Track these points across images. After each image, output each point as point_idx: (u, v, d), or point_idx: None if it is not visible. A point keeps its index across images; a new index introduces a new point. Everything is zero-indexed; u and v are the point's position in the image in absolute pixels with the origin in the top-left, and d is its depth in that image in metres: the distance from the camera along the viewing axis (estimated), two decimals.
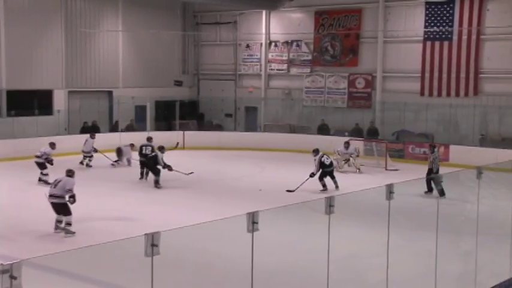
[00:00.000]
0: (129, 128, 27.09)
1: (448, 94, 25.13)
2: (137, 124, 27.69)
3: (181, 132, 26.66)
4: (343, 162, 20.79)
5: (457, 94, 24.91)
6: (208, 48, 32.60)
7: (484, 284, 8.53)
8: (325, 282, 6.89)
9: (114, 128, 27.47)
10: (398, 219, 7.72)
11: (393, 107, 26.22)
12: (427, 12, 25.47)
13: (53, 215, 12.43)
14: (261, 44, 30.51)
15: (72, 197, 12.08)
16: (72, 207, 12.30)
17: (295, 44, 29.49)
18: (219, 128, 30.40)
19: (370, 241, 10.00)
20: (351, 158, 20.91)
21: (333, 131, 27.09)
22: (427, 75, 25.59)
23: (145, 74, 29.89)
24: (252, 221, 5.76)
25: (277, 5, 29.14)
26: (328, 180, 17.29)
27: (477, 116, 24.63)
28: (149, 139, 19.73)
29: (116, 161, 21.63)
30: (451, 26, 24.90)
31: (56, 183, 12.32)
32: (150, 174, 18.38)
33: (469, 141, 23.93)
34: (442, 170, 17.53)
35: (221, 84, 31.76)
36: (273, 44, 30.24)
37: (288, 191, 16.73)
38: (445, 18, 25.04)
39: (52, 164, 17.89)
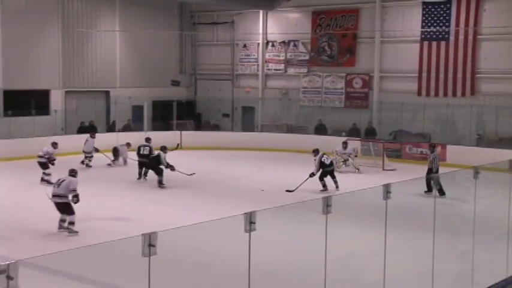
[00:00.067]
0: (126, 128, 27.07)
1: (445, 94, 25.16)
2: (134, 124, 27.67)
3: (179, 132, 26.65)
4: (342, 162, 20.80)
5: (454, 94, 24.95)
6: (205, 48, 32.60)
7: (481, 283, 8.54)
8: (322, 282, 6.89)
9: (111, 128, 27.45)
10: (396, 219, 7.73)
11: (390, 107, 26.24)
12: (424, 12, 25.50)
13: (52, 215, 12.47)
14: (258, 44, 30.51)
15: (76, 196, 12.19)
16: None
17: (292, 44, 29.50)
18: (216, 128, 30.41)
19: (367, 241, 10.01)
20: (349, 158, 20.93)
21: (330, 131, 27.11)
22: (424, 75, 25.62)
23: (142, 74, 29.87)
24: (250, 221, 5.75)
25: (274, 5, 29.15)
26: (328, 180, 17.29)
27: (474, 116, 24.67)
28: (148, 140, 19.73)
29: (112, 161, 21.65)
30: (448, 26, 24.94)
31: (59, 183, 12.38)
32: (150, 174, 18.38)
33: (466, 141, 23.97)
34: (440, 170, 17.57)
35: (218, 84, 31.75)
36: (270, 44, 30.25)
37: (287, 191, 16.71)
38: (442, 18, 25.07)
39: (53, 164, 17.92)
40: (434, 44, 25.35)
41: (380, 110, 26.85)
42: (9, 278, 4.16)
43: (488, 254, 9.77)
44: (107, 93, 28.81)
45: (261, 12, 30.19)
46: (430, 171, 17.17)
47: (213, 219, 6.44)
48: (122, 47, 29.31)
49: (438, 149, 21.95)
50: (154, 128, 27.66)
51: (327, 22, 28.32)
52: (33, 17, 25.78)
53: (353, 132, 25.79)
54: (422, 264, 8.66)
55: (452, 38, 24.89)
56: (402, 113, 26.05)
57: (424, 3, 25.50)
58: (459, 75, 24.76)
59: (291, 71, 29.68)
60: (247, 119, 31.02)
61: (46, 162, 17.90)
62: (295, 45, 29.42)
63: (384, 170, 21.36)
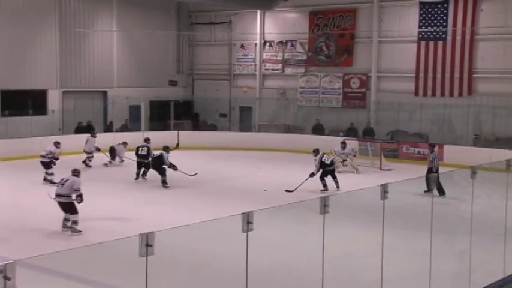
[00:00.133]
0: (124, 128, 27.07)
1: (442, 94, 25.19)
2: (132, 124, 27.65)
3: (176, 132, 26.64)
4: (340, 162, 20.82)
5: (451, 94, 24.98)
6: (202, 48, 32.59)
7: (478, 283, 8.55)
8: (320, 282, 6.90)
9: (108, 128, 27.44)
10: (393, 219, 7.74)
11: (388, 107, 26.27)
12: (421, 12, 25.53)
13: (52, 215, 12.57)
14: (256, 44, 30.51)
15: (80, 196, 12.31)
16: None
17: (289, 44, 29.51)
18: (213, 128, 30.39)
19: (365, 241, 10.01)
20: (347, 158, 20.94)
21: (328, 130, 27.12)
22: (421, 75, 25.65)
23: (139, 74, 29.85)
24: (247, 221, 5.76)
25: (271, 5, 29.15)
26: (329, 180, 17.28)
27: (471, 116, 24.70)
28: (147, 140, 19.70)
29: (109, 161, 21.68)
30: (445, 26, 24.97)
31: (62, 183, 12.47)
32: (152, 174, 18.41)
33: (463, 141, 24.00)
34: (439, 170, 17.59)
35: (216, 84, 31.74)
36: (268, 44, 30.25)
37: (287, 191, 16.68)
38: (439, 18, 25.10)
39: (55, 164, 17.96)
40: (431, 44, 25.37)
41: (377, 110, 26.87)
42: (6, 278, 4.15)
43: (486, 254, 9.78)
44: (104, 93, 28.78)
45: (258, 12, 30.19)
46: (430, 170, 17.21)
47: (210, 219, 6.44)
48: (119, 47, 29.28)
49: (436, 149, 22.02)
50: (152, 128, 27.65)
51: (325, 22, 28.33)
52: (30, 17, 25.74)
53: (350, 132, 25.82)
54: (419, 264, 8.67)
55: (449, 38, 24.92)
56: (399, 113, 26.08)
57: (421, 3, 25.52)
58: (456, 75, 24.79)
59: (289, 71, 29.69)
60: (244, 119, 31.01)
61: (49, 162, 17.95)
62: (292, 45, 29.43)
63: (381, 170, 21.38)
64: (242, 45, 31.02)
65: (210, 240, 9.12)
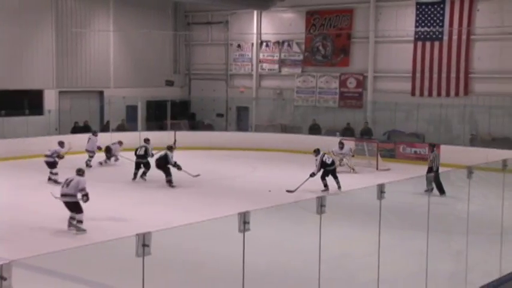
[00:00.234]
0: (120, 128, 27.04)
1: (439, 94, 25.22)
2: (128, 124, 27.64)
3: (173, 132, 26.60)
4: (338, 162, 20.83)
5: (448, 94, 25.01)
6: (199, 48, 32.58)
7: (474, 283, 8.57)
8: (316, 282, 6.90)
9: (105, 128, 27.39)
10: (390, 219, 7.75)
11: (384, 107, 26.30)
12: (418, 12, 25.55)
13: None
14: (252, 44, 30.51)
15: (86, 195, 12.43)
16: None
17: (286, 44, 29.51)
18: (210, 128, 30.39)
19: (361, 241, 10.02)
20: (344, 159, 20.94)
21: (324, 130, 27.14)
22: (418, 75, 25.67)
23: (136, 74, 29.83)
24: (244, 221, 5.76)
25: (268, 5, 29.15)
26: (330, 180, 17.28)
27: (467, 116, 24.75)
28: (146, 140, 19.67)
29: (104, 160, 21.71)
30: (442, 26, 25.00)
31: (67, 183, 12.60)
32: (154, 175, 18.46)
33: (460, 141, 24.04)
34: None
35: (212, 84, 31.74)
36: (264, 44, 30.25)
37: (287, 191, 16.63)
38: (435, 18, 25.13)
39: (57, 162, 18.01)
40: (428, 44, 25.40)
41: (374, 110, 26.89)
42: (2, 278, 4.15)
43: (482, 254, 9.80)
44: (101, 93, 28.75)
45: (255, 12, 30.19)
46: (430, 170, 17.28)
47: (207, 219, 6.44)
48: (115, 47, 29.26)
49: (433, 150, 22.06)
50: (149, 128, 27.62)
51: (321, 22, 28.34)
52: (26, 17, 25.70)
53: (347, 132, 25.82)
54: (416, 263, 8.68)
55: (445, 38, 24.95)
56: (396, 113, 26.11)
57: (417, 3, 25.55)
58: (453, 75, 24.83)
59: (285, 71, 29.69)
60: (241, 119, 31.02)
61: (54, 162, 18.01)
62: (289, 45, 29.44)
63: (378, 170, 21.40)
64: (239, 45, 31.02)
65: (207, 240, 9.12)
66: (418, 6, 25.55)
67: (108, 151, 21.86)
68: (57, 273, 9.17)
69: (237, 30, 30.89)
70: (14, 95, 25.54)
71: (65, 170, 17.36)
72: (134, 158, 19.21)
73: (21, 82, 25.61)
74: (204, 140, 26.42)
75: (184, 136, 26.60)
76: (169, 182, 17.78)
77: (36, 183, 17.86)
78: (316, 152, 17.72)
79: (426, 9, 25.34)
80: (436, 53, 25.19)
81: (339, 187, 17.23)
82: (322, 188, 17.09)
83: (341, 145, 21.02)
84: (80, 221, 12.45)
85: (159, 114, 29.64)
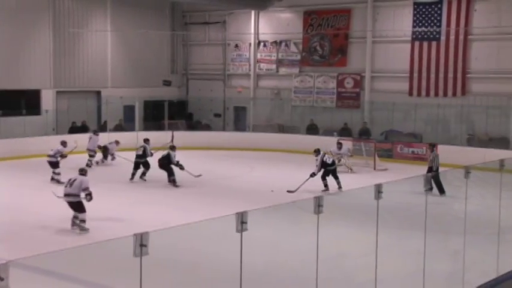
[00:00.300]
0: (118, 128, 27.02)
1: (436, 94, 25.25)
2: (126, 124, 27.61)
3: (171, 132, 26.58)
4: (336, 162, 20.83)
5: (445, 94, 25.04)
6: (197, 48, 32.57)
7: (471, 283, 8.58)
8: (314, 282, 6.90)
9: (102, 128, 27.36)
10: (387, 219, 7.76)
11: (382, 107, 26.31)
12: (415, 12, 25.58)
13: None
14: (250, 44, 30.51)
15: (89, 194, 12.56)
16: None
17: (284, 44, 29.52)
18: (207, 128, 30.37)
19: (359, 241, 10.03)
20: (342, 159, 20.95)
21: (322, 130, 27.15)
22: (415, 75, 25.70)
23: (133, 74, 29.81)
24: (241, 220, 5.76)
25: (266, 5, 29.16)
26: (330, 180, 17.27)
27: (465, 116, 24.77)
28: (145, 140, 19.63)
29: (101, 159, 21.73)
30: (439, 26, 25.03)
31: (71, 183, 12.70)
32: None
33: (457, 141, 24.06)
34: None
35: (210, 84, 31.73)
36: (262, 44, 30.26)
37: (288, 191, 16.61)
38: (433, 18, 25.16)
39: (58, 164, 18.01)
40: (425, 44, 25.43)
41: (371, 110, 26.92)
42: None
43: (479, 254, 9.81)
44: (98, 93, 28.72)
45: (252, 12, 30.19)
46: (430, 169, 17.32)
47: (205, 219, 6.44)
48: (113, 47, 29.23)
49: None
50: (146, 128, 27.60)
51: (319, 22, 28.36)
52: (24, 17, 25.66)
53: (344, 132, 25.83)
54: (413, 263, 8.69)
55: (443, 38, 24.98)
56: (393, 113, 26.12)
57: (415, 3, 25.57)
58: (450, 75, 24.86)
59: (283, 71, 29.70)
60: (239, 119, 31.02)
61: (56, 162, 18.07)
62: (286, 45, 29.44)
63: (375, 170, 21.42)
64: (236, 45, 31.02)
65: (205, 240, 9.12)
66: (415, 6, 25.58)
67: (105, 150, 21.91)
68: (54, 274, 9.16)
69: (234, 30, 30.89)
70: (11, 95, 25.50)
71: (66, 170, 17.47)
72: (133, 158, 19.22)
73: (18, 82, 25.58)
74: (201, 140, 26.42)
75: (182, 136, 26.57)
76: (173, 181, 17.85)
77: (35, 183, 17.88)
78: (317, 152, 17.72)
79: (423, 9, 25.37)
80: (433, 53, 25.22)
81: (340, 187, 17.21)
82: (323, 188, 17.09)
83: (339, 145, 21.03)
84: (83, 220, 12.58)
85: (157, 114, 29.63)
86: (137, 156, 18.91)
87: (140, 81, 29.80)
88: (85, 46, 28.12)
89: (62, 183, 14.98)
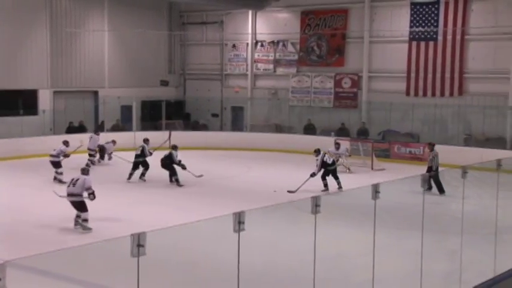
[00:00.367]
0: (115, 128, 27.00)
1: (433, 94, 25.28)
2: (123, 124, 27.60)
3: (168, 132, 26.56)
4: None
5: (442, 94, 25.07)
6: (194, 48, 32.55)
7: (469, 282, 8.59)
8: (311, 282, 6.90)
9: (100, 128, 27.33)
10: (385, 219, 7.75)
11: (379, 107, 26.33)
12: (413, 12, 25.60)
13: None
14: (247, 44, 30.50)
15: (92, 193, 12.68)
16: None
17: (281, 44, 29.52)
18: (205, 128, 30.36)
19: (356, 241, 10.03)
20: (340, 159, 20.95)
21: (319, 130, 27.16)
22: (412, 75, 25.72)
23: (131, 74, 29.78)
24: (238, 220, 5.76)
25: (263, 5, 29.16)
26: (330, 180, 17.26)
27: (462, 116, 24.80)
28: (145, 140, 19.58)
29: (97, 159, 21.72)
30: (436, 26, 25.05)
31: (74, 182, 12.84)
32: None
33: (454, 141, 24.08)
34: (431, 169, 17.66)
35: (207, 84, 31.72)
36: (259, 44, 30.25)
37: (289, 191, 16.57)
38: (430, 18, 25.18)
39: (57, 165, 18.04)
40: (422, 44, 25.45)
41: (369, 110, 26.94)
42: None
43: (476, 253, 9.83)
44: (96, 93, 28.69)
45: (250, 12, 30.19)
46: (430, 169, 17.35)
47: (202, 219, 6.43)
48: (110, 47, 29.20)
49: (426, 149, 22.11)
50: (143, 128, 27.59)
51: (316, 22, 28.36)
52: (21, 17, 25.62)
53: (342, 132, 25.84)
54: (411, 263, 8.70)
55: (440, 38, 25.01)
56: (391, 112, 26.14)
57: (412, 3, 25.60)
58: (447, 75, 24.89)
59: (280, 71, 29.70)
60: (236, 119, 31.01)
61: (59, 162, 18.08)
62: (284, 45, 29.44)
63: (372, 169, 21.43)
64: (234, 45, 31.01)
65: (202, 240, 9.11)
66: (412, 7, 25.61)
67: (102, 150, 21.91)
68: (52, 274, 9.15)
69: (232, 30, 30.88)
70: (8, 95, 25.46)
71: (66, 170, 17.49)
72: (131, 158, 19.21)
73: (15, 82, 25.54)
74: (199, 140, 26.39)
75: (180, 136, 26.53)
76: (177, 181, 17.93)
77: (35, 183, 17.93)
78: (317, 152, 17.73)
79: (421, 10, 25.39)
80: (430, 53, 25.25)
81: (340, 187, 17.21)
82: (322, 188, 17.09)
83: (337, 145, 21.03)
84: (86, 220, 12.71)
85: (154, 114, 29.62)
86: (136, 156, 18.90)
87: (137, 81, 29.77)
88: (82, 46, 28.09)
89: (64, 183, 15.19)
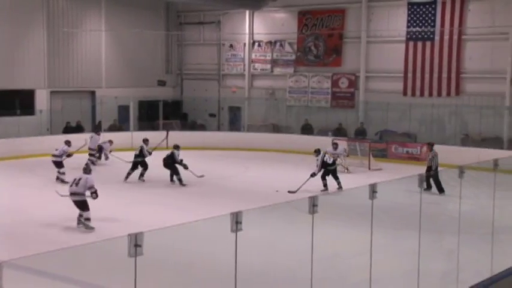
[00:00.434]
0: (113, 128, 26.98)
1: (430, 94, 25.30)
2: (120, 124, 27.57)
3: (165, 132, 26.54)
4: None
5: (439, 94, 25.09)
6: (191, 48, 32.54)
7: (466, 282, 8.60)
8: (309, 282, 6.91)
9: (97, 128, 27.31)
10: (382, 219, 7.77)
11: (376, 107, 26.35)
12: (410, 12, 25.63)
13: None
14: (245, 44, 30.50)
15: (95, 192, 12.84)
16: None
17: (278, 44, 29.52)
18: (202, 128, 30.36)
19: (353, 240, 10.05)
20: (338, 159, 20.93)
21: (317, 130, 27.18)
22: (409, 75, 25.74)
23: (128, 74, 29.75)
24: (236, 220, 5.76)
25: (260, 5, 29.16)
26: (330, 180, 17.26)
27: (459, 116, 24.83)
28: (144, 141, 19.54)
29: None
30: (433, 26, 25.08)
31: (76, 182, 12.95)
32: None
33: (451, 141, 24.11)
34: (425, 170, 17.68)
35: (204, 84, 31.71)
36: (257, 44, 30.25)
37: (289, 192, 16.56)
38: (427, 18, 25.21)
39: (59, 164, 18.08)
40: (419, 44, 25.48)
41: (366, 110, 26.95)
42: None
43: (473, 253, 9.84)
44: (93, 93, 28.66)
45: (247, 12, 30.19)
46: (429, 169, 17.40)
47: (200, 219, 6.44)
48: (107, 47, 29.17)
49: (423, 149, 22.16)
50: (141, 128, 27.53)
51: (313, 22, 28.37)
52: (18, 17, 25.59)
53: (339, 132, 25.85)
54: (408, 263, 8.71)
55: (437, 38, 25.03)
56: (388, 112, 26.16)
57: (409, 3, 25.62)
58: (444, 75, 24.91)
59: (277, 71, 29.70)
60: (233, 119, 31.01)
61: (61, 162, 18.10)
62: (281, 45, 29.45)
63: (370, 169, 21.44)
64: (231, 45, 31.00)
65: (200, 240, 9.12)
66: (409, 7, 25.63)
67: (99, 150, 21.91)
68: (49, 274, 9.13)
69: (229, 30, 30.88)
70: (5, 95, 25.42)
71: (68, 170, 17.48)
72: (127, 158, 19.19)
73: (12, 82, 25.50)
74: (196, 140, 26.36)
75: (177, 136, 26.50)
76: (180, 180, 17.96)
77: (34, 183, 17.96)
78: (317, 152, 17.74)
79: (418, 10, 25.42)
80: (427, 53, 25.28)
81: (340, 187, 17.21)
82: (322, 188, 17.09)
83: (335, 145, 21.00)
84: (88, 219, 12.82)
85: (151, 114, 29.60)
86: (135, 156, 18.90)
87: (135, 81, 29.75)
88: (79, 46, 28.07)
89: (67, 182, 15.31)
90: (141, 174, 18.70)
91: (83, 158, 20.32)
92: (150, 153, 18.93)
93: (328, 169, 17.31)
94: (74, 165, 17.23)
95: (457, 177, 8.71)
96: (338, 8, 27.77)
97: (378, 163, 22.06)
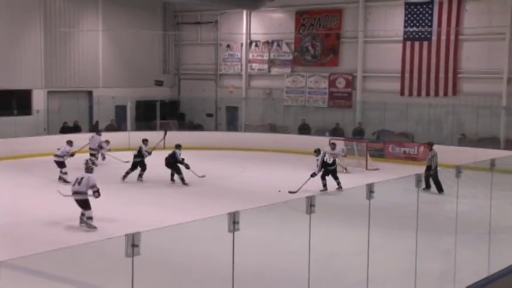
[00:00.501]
0: (110, 128, 26.94)
1: (428, 94, 25.33)
2: (118, 124, 27.54)
3: (163, 132, 26.51)
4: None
5: (436, 94, 25.12)
6: (189, 48, 32.53)
7: (463, 282, 8.61)
8: (306, 282, 6.91)
9: (94, 128, 27.27)
10: (379, 219, 7.77)
11: (373, 107, 26.37)
12: (407, 12, 25.65)
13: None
14: (242, 43, 30.50)
15: (97, 191, 12.95)
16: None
17: (275, 44, 29.53)
18: (199, 128, 30.34)
19: (351, 240, 10.05)
20: (336, 159, 20.93)
21: (314, 130, 27.19)
22: (406, 75, 25.77)
23: (125, 74, 29.73)
24: (233, 220, 5.76)
25: (258, 5, 29.16)
26: (330, 180, 17.25)
27: (456, 115, 24.86)
28: (144, 141, 19.51)
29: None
30: (430, 27, 25.11)
31: (79, 181, 13.07)
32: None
33: (448, 141, 24.14)
34: (422, 170, 17.70)
35: (202, 84, 31.70)
36: (254, 43, 30.25)
37: (290, 192, 16.52)
38: (424, 18, 25.24)
39: (61, 165, 18.09)
40: (416, 44, 25.50)
41: (363, 110, 26.96)
42: None
43: (470, 253, 9.86)
44: (90, 93, 28.63)
45: (244, 12, 30.18)
46: (428, 168, 17.42)
47: (197, 219, 6.44)
48: (104, 47, 29.15)
49: (420, 149, 22.23)
50: (138, 128, 27.55)
51: (311, 22, 28.38)
52: (14, 16, 25.55)
53: (336, 132, 25.86)
54: (405, 263, 8.72)
55: (434, 38, 25.06)
56: (385, 112, 26.18)
57: (406, 3, 25.65)
58: (441, 75, 24.94)
59: (275, 71, 29.71)
60: (231, 119, 31.00)
61: (63, 162, 18.12)
62: (278, 45, 29.45)
63: (367, 169, 21.46)
64: (228, 45, 31.00)
65: (197, 240, 9.11)
66: (406, 7, 25.66)
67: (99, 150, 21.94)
68: (46, 274, 9.13)
69: (226, 30, 30.87)
70: (2, 95, 25.36)
71: (69, 170, 17.47)
72: (124, 158, 19.19)
73: (9, 82, 25.46)
74: (194, 140, 26.31)
75: (174, 136, 26.48)
76: (182, 179, 18.00)
77: (33, 183, 18.00)
78: (317, 152, 17.74)
79: (415, 10, 25.44)
80: (424, 53, 25.30)
81: (340, 187, 17.21)
82: (321, 188, 17.09)
83: (333, 145, 21.02)
84: (90, 218, 12.91)
85: (149, 114, 29.58)
86: (134, 156, 18.92)
87: (132, 81, 29.72)
88: (76, 46, 28.03)
89: (69, 182, 15.38)
90: (140, 175, 18.69)
91: (83, 158, 20.36)
92: (149, 154, 18.93)
93: (328, 169, 17.32)
94: (75, 165, 17.23)
95: (454, 177, 8.72)
96: (335, 8, 27.78)
97: (375, 163, 22.09)
